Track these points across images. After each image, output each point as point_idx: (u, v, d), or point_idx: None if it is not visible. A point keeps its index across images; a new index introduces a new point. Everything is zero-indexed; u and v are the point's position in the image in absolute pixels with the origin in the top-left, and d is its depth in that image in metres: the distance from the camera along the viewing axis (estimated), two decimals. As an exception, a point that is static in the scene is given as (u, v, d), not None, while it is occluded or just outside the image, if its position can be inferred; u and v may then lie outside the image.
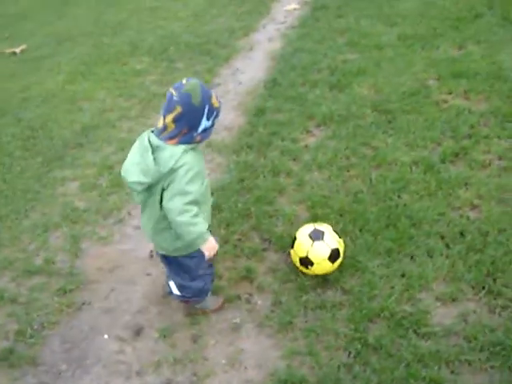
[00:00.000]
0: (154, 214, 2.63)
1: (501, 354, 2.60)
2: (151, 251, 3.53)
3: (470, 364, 2.59)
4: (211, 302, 3.05)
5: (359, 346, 2.71)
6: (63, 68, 6.08)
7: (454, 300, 2.92)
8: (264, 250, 3.41)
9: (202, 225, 2.56)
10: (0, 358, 2.89)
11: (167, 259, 2.86)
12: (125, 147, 4.55)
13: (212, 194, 2.94)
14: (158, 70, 5.83)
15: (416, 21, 6.17)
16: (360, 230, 3.41)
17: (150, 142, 2.50)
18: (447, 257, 3.16)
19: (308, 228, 3.12)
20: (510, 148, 4.03)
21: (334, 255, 3.01)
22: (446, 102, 4.66)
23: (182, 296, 2.99)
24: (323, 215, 3.54)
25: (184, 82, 2.46)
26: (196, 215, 2.51)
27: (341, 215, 3.54)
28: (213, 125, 2.57)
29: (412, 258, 3.19)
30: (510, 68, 5.04)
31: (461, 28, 5.88)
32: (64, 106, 5.26)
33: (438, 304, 2.91)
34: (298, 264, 3.10)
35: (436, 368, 2.58)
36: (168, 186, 2.49)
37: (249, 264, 3.29)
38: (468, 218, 3.42)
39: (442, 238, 3.30)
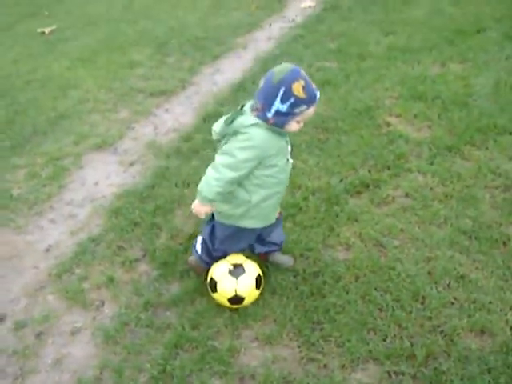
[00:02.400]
0: None
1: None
2: (49, 245, 3.78)
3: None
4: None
5: (155, 372, 2.77)
6: (72, 53, 6.37)
7: (270, 343, 2.85)
8: (136, 260, 3.51)
9: (213, 191, 2.60)
10: None
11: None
12: (80, 141, 4.80)
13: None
14: (149, 63, 5.97)
15: (415, 31, 5.79)
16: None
17: (243, 106, 2.63)
18: (288, 298, 3.08)
19: (224, 266, 2.99)
20: (423, 185, 3.79)
21: (258, 281, 2.97)
22: (388, 125, 4.42)
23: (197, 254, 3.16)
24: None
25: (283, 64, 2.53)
26: (220, 181, 2.57)
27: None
28: (290, 113, 2.49)
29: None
30: (477, 94, 4.67)
31: (456, 42, 5.46)
32: (54, 92, 5.57)
33: (254, 344, 2.87)
34: (227, 304, 2.98)
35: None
36: (225, 143, 2.61)
37: (113, 272, 3.42)
38: (334, 258, 3.30)
39: (295, 276, 3.20)
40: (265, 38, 6.37)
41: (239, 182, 2.67)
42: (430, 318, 2.88)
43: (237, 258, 3.01)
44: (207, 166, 2.72)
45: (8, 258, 3.71)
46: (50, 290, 3.40)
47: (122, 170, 4.41)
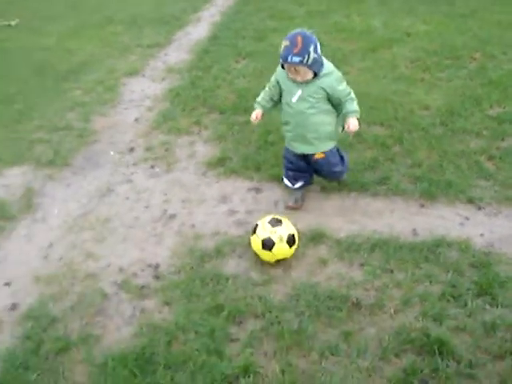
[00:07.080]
0: None
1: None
2: (135, 118, 5.44)
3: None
4: (290, 197, 3.98)
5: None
6: (55, 33, 7.90)
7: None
8: (209, 112, 5.34)
9: (258, 98, 3.72)
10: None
11: None
12: (112, 72, 6.44)
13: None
14: (130, 33, 7.80)
15: (318, 2, 8.56)
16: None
17: None
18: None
19: (267, 218, 3.45)
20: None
21: (291, 239, 3.34)
22: (329, 46, 6.83)
23: None
24: (244, 95, 5.51)
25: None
26: (262, 92, 3.71)
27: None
28: (281, 62, 3.41)
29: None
30: (375, 26, 7.33)
31: (349, 6, 8.20)
32: (60, 53, 7.12)
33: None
34: (260, 247, 3.33)
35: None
36: None
37: (199, 119, 5.21)
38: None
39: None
40: (209, 15, 8.57)
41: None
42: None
43: (281, 217, 3.47)
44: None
45: (107, 127, 5.27)
46: (156, 133, 5.03)
47: (157, 82, 6.18)
